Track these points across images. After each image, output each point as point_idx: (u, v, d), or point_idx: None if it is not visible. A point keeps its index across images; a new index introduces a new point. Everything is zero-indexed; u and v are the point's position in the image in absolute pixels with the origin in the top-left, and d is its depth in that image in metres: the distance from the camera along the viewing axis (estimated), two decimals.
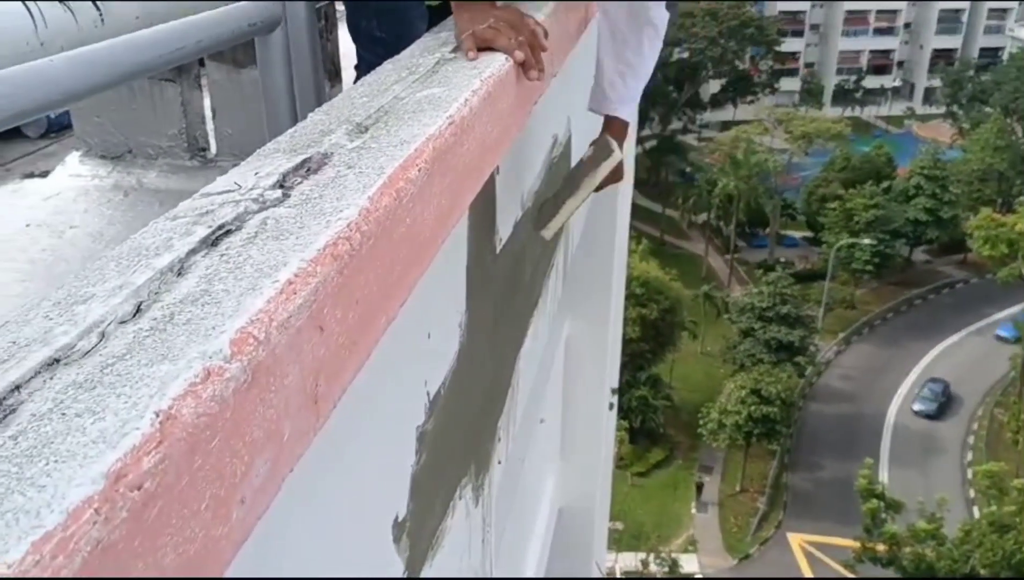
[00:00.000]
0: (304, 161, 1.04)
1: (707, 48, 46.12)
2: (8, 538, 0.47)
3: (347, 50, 2.52)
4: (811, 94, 55.64)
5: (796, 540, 28.26)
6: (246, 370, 0.66)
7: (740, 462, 30.62)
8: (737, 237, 42.70)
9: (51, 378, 0.61)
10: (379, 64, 1.58)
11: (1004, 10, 57.13)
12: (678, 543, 28.47)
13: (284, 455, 0.73)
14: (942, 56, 58.26)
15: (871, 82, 58.46)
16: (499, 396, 2.49)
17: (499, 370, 2.47)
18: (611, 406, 6.73)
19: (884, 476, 29.35)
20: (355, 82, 1.97)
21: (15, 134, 3.08)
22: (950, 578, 24.15)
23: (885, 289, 40.32)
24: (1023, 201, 36.41)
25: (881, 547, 25.14)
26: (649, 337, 31.00)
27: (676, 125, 49.55)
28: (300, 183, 0.98)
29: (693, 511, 29.80)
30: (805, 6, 57.45)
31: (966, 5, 57.60)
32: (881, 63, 59.11)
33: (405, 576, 1.56)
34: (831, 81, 58.00)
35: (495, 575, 2.61)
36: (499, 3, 1.79)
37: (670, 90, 46.91)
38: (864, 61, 58.76)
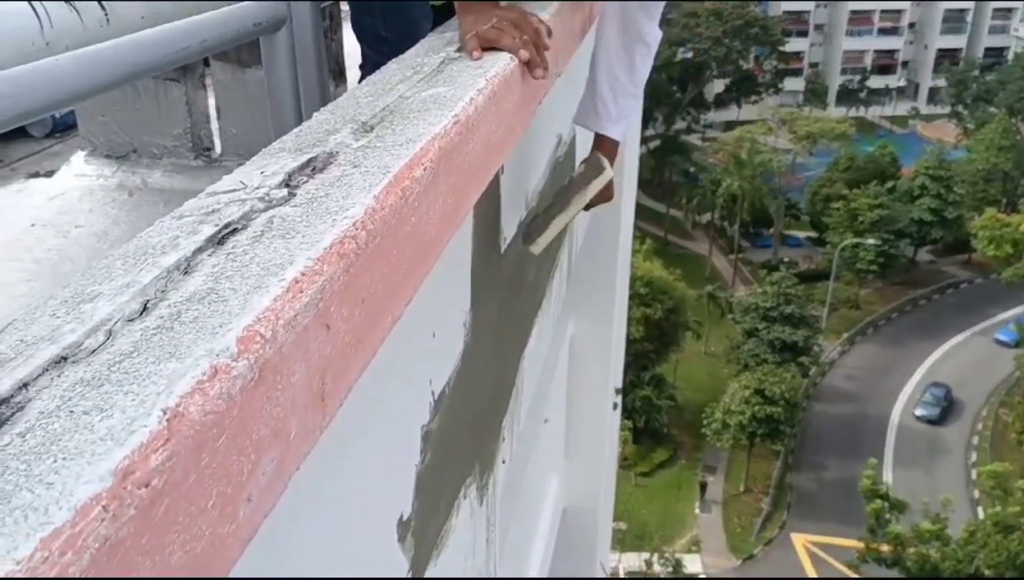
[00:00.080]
0: (310, 160, 1.04)
1: (711, 48, 46.05)
2: (17, 535, 0.47)
3: (351, 50, 2.52)
4: (815, 94, 55.55)
5: (800, 540, 28.22)
6: (253, 368, 0.66)
7: (744, 462, 30.59)
8: (741, 237, 42.65)
9: (59, 376, 0.61)
10: (384, 63, 1.58)
11: (1009, 10, 56.97)
12: (682, 543, 28.44)
13: (291, 453, 0.73)
14: (947, 56, 58.14)
15: (875, 82, 58.34)
16: (503, 396, 2.49)
17: (503, 370, 2.47)
18: (615, 406, 6.73)
19: (888, 476, 29.30)
20: (360, 81, 1.97)
21: (20, 134, 3.09)
22: (954, 578, 24.11)
23: (889, 289, 40.24)
24: None
25: (885, 547, 25.10)
26: (653, 337, 30.99)
27: (680, 125, 49.49)
28: (306, 182, 0.98)
29: (697, 511, 29.77)
30: (809, 6, 57.34)
31: (971, 5, 57.47)
32: (885, 63, 58.99)
33: (410, 575, 1.56)
34: (835, 81, 57.89)
35: (499, 575, 2.61)
36: (502, 3, 1.79)
37: (674, 90, 46.88)
38: (868, 61, 58.64)
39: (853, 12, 57.43)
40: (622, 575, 26.28)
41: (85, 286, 0.74)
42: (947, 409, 32.62)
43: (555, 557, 5.37)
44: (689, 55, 47.20)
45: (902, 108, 59.02)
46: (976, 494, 29.05)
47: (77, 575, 0.48)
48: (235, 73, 2.58)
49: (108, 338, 0.66)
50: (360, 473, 1.26)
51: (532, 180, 2.51)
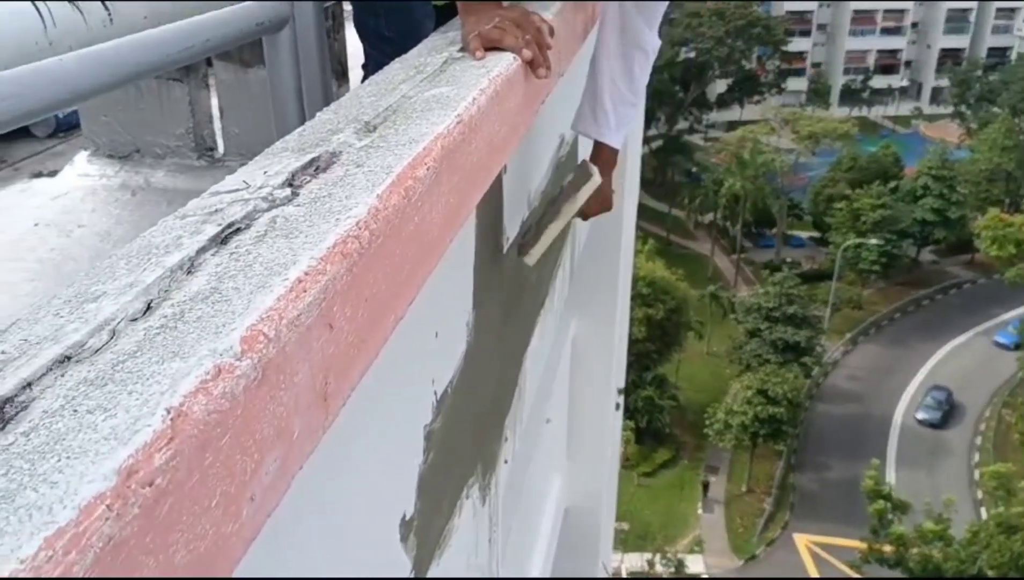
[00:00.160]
0: (313, 160, 1.05)
1: (714, 48, 46.02)
2: (21, 534, 0.47)
3: (354, 49, 2.52)
4: (818, 94, 55.50)
5: (802, 541, 28.19)
6: (256, 367, 0.66)
7: (746, 462, 30.57)
8: (743, 237, 42.63)
9: (62, 375, 0.62)
10: (386, 63, 1.58)
11: (1012, 10, 56.89)
12: (684, 543, 28.43)
13: (294, 453, 0.73)
14: (950, 56, 58.08)
15: (878, 82, 58.29)
16: (506, 396, 2.49)
17: (506, 370, 2.47)
18: (617, 406, 6.72)
19: (891, 477, 29.28)
20: (362, 81, 1.97)
21: (23, 134, 3.09)
22: (957, 579, 24.08)
23: (892, 289, 40.20)
24: None
25: (888, 548, 25.08)
26: (655, 337, 30.98)
27: (682, 125, 49.47)
28: (309, 182, 0.98)
29: (699, 511, 29.76)
30: (812, 6, 57.30)
31: (974, 5, 57.39)
32: (888, 63, 58.94)
33: (412, 575, 1.56)
34: (838, 81, 57.85)
35: (501, 575, 2.61)
36: (505, 2, 1.79)
37: (676, 90, 46.85)
38: (871, 61, 58.59)
39: (856, 12, 57.38)
40: (624, 575, 26.27)
41: (88, 286, 0.74)
42: (948, 413, 32.51)
43: (557, 557, 5.37)
44: (692, 55, 47.17)
45: (905, 108, 58.99)
46: (979, 495, 29.02)
47: (81, 574, 0.48)
48: (238, 73, 2.59)
49: (112, 338, 0.66)
50: (363, 473, 1.26)
51: (535, 180, 2.51)
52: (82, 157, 2.75)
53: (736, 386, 30.00)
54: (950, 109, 54.05)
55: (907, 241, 39.82)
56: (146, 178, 2.67)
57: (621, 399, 6.87)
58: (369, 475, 1.31)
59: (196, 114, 2.67)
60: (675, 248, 42.82)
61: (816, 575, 27.22)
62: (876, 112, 58.11)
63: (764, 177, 40.59)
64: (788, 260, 40.50)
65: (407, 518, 1.50)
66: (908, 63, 59.77)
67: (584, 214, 2.33)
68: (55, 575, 0.47)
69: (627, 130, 2.24)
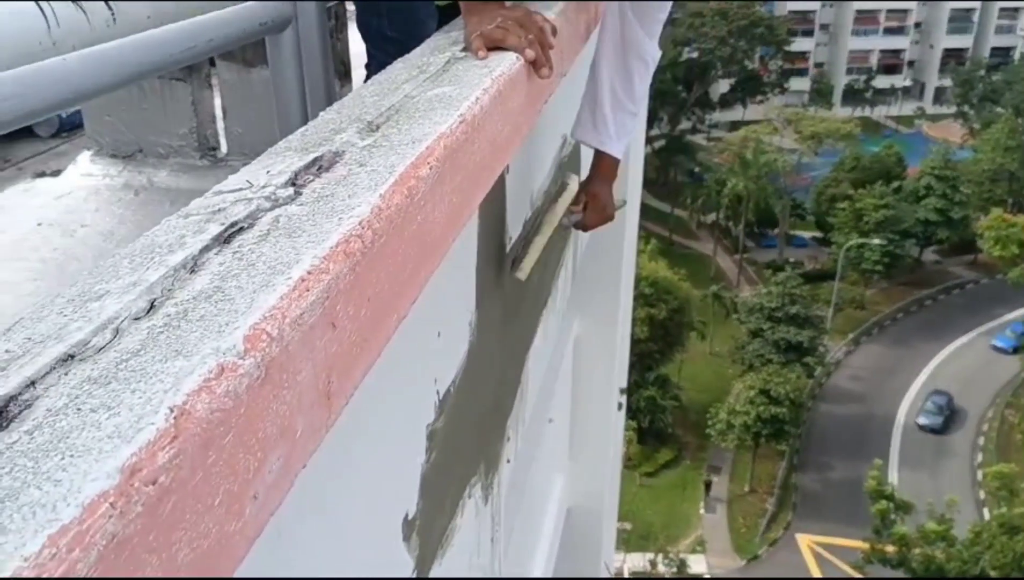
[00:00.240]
0: (315, 159, 1.05)
1: (716, 48, 46.01)
2: (25, 532, 0.47)
3: (357, 49, 2.52)
4: (821, 94, 55.47)
5: (805, 541, 28.17)
6: (259, 366, 0.66)
7: (749, 463, 30.55)
8: (746, 237, 42.61)
9: (66, 374, 0.62)
10: (389, 63, 1.58)
11: (1015, 9, 56.84)
12: (686, 543, 28.42)
13: (297, 451, 0.73)
14: (953, 56, 58.02)
15: (881, 82, 58.26)
16: (508, 395, 2.49)
17: (508, 369, 2.47)
18: (620, 406, 6.72)
19: (894, 477, 29.26)
20: (365, 81, 1.97)
21: (27, 133, 3.10)
22: (960, 579, 24.06)
23: (895, 289, 40.17)
24: None
25: (890, 548, 25.06)
26: (658, 337, 30.97)
27: (685, 125, 49.46)
28: (312, 181, 0.98)
29: (701, 511, 29.75)
30: (815, 5, 57.27)
31: (977, 4, 57.33)
32: (891, 63, 58.90)
33: (415, 575, 1.56)
34: (841, 81, 57.81)
35: (504, 574, 2.61)
36: (508, 2, 1.79)
37: (679, 90, 46.83)
38: (874, 61, 58.56)
39: (859, 12, 57.35)
40: (627, 575, 26.27)
41: (92, 285, 0.74)
42: (949, 418, 32.40)
43: (559, 557, 5.37)
44: (694, 55, 47.17)
45: (908, 108, 58.95)
46: (982, 495, 28.99)
47: (84, 572, 0.48)
48: (241, 73, 2.59)
49: (115, 336, 0.66)
50: (365, 472, 1.26)
51: (537, 180, 2.51)
52: (85, 157, 2.75)
53: (739, 386, 29.98)
54: (953, 109, 54.00)
55: (910, 241, 39.79)
56: (149, 178, 2.68)
57: (623, 399, 6.86)
58: (372, 474, 1.31)
59: (199, 114, 2.67)
60: (678, 248, 42.82)
61: (818, 575, 27.20)
62: (879, 112, 58.06)
63: (767, 177, 40.57)
64: (791, 260, 40.48)
65: (409, 517, 1.50)
66: (911, 63, 59.72)
67: (584, 226, 2.34)
68: (59, 573, 0.47)
69: (628, 139, 2.25)
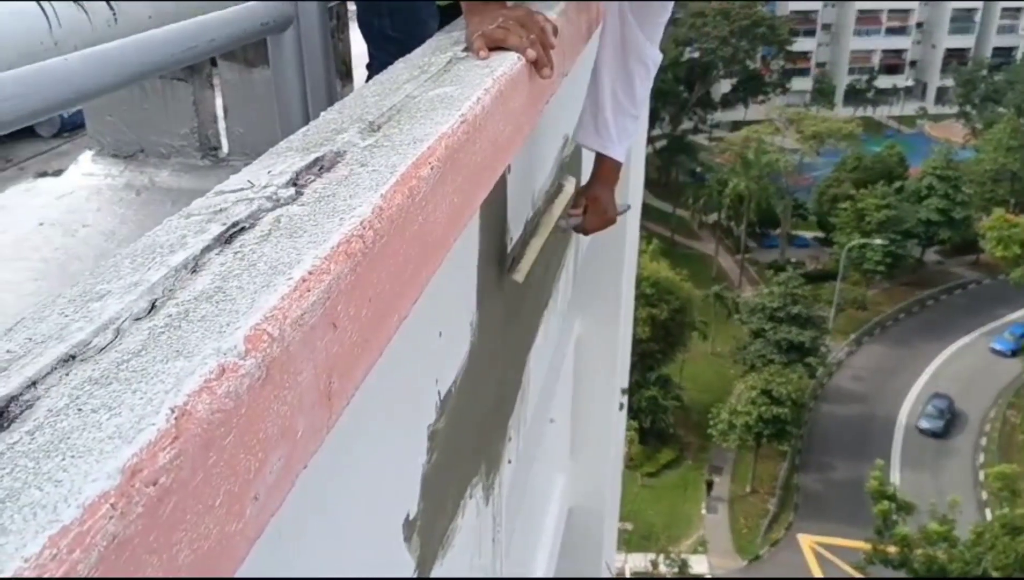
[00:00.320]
0: (317, 159, 1.05)
1: (718, 47, 45.99)
2: (25, 532, 0.47)
3: (359, 49, 2.52)
4: (823, 94, 55.43)
5: (806, 541, 28.16)
6: (260, 367, 0.66)
7: (750, 463, 30.54)
8: (748, 237, 42.58)
9: (67, 374, 0.62)
10: (391, 63, 1.58)
11: (1017, 9, 56.78)
12: (688, 544, 28.41)
13: (298, 452, 0.73)
14: (955, 56, 57.97)
15: (883, 82, 58.20)
16: (510, 395, 2.49)
17: (510, 369, 2.47)
18: (621, 406, 6.71)
19: (895, 477, 29.23)
20: (367, 81, 1.97)
21: (28, 133, 3.10)
22: None
23: (897, 290, 40.13)
24: None
25: (892, 549, 25.04)
26: (659, 337, 30.95)
27: (687, 125, 49.42)
28: (313, 181, 0.98)
29: (703, 512, 29.73)
30: (817, 5, 57.22)
31: (979, 4, 57.26)
32: (893, 63, 58.84)
33: (416, 575, 1.56)
34: (843, 81, 57.77)
35: (505, 575, 2.61)
36: (509, 2, 1.79)
37: (681, 90, 46.80)
38: (876, 61, 58.50)
39: (861, 12, 57.31)
40: (628, 575, 26.26)
41: (93, 285, 0.74)
42: (950, 421, 32.29)
43: (561, 557, 5.37)
44: (696, 55, 47.15)
45: (910, 108, 58.88)
46: (984, 495, 28.96)
47: (85, 573, 0.48)
48: (242, 73, 2.59)
49: (116, 337, 0.66)
50: (366, 472, 1.26)
51: (539, 180, 2.51)
52: (87, 157, 2.76)
53: (740, 386, 29.97)
54: (955, 109, 53.96)
55: (912, 241, 39.74)
56: (150, 178, 2.68)
57: (625, 399, 6.86)
58: (373, 475, 1.31)
59: (200, 114, 2.68)
60: (679, 248, 42.79)
61: (820, 576, 27.18)
62: (881, 112, 58.01)
63: (768, 177, 40.54)
64: (792, 260, 40.45)
65: (411, 518, 1.50)
66: (913, 63, 59.67)
67: (585, 230, 2.34)
68: (59, 574, 0.47)
69: (629, 143, 2.25)
